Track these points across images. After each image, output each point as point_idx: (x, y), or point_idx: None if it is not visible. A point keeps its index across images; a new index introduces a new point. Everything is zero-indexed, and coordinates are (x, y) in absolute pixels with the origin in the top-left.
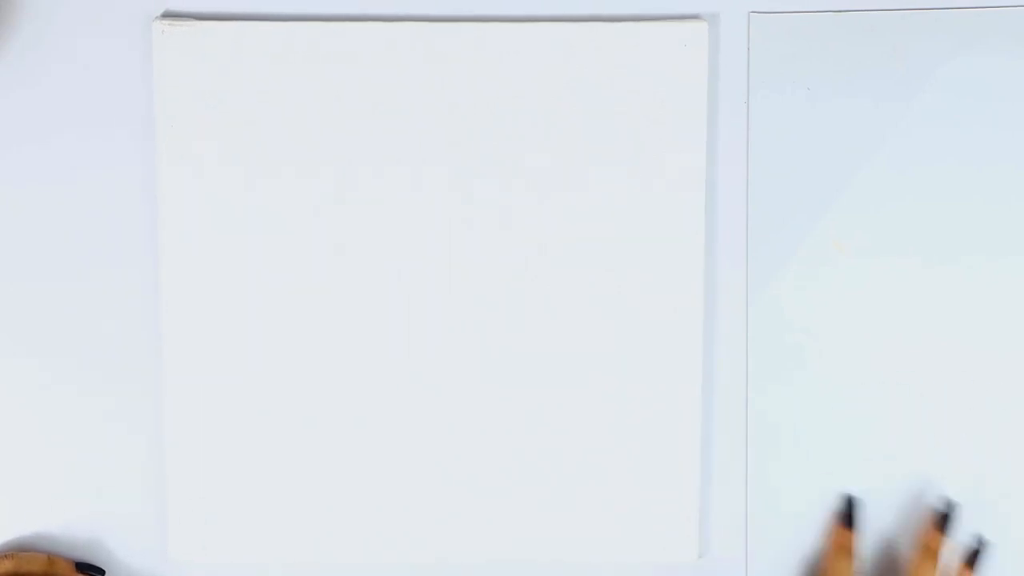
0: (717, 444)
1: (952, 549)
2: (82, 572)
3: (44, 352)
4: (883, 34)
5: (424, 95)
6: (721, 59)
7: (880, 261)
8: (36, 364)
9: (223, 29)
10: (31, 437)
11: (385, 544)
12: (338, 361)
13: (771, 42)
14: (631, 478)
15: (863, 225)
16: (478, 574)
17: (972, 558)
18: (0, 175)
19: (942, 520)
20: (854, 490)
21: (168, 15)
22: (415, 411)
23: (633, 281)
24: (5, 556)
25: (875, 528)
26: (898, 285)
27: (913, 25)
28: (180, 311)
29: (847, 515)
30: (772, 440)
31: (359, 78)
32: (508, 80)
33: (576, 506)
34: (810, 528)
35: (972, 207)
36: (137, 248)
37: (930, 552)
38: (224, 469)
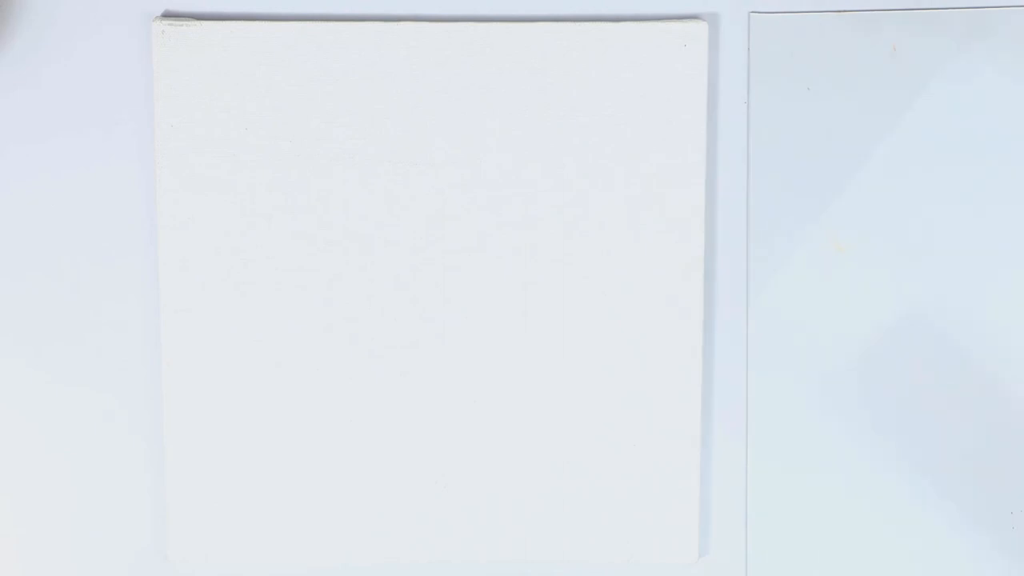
0: (717, 444)
1: None
2: None
3: (44, 352)
4: (883, 34)
5: (424, 95)
6: (721, 59)
7: (880, 261)
8: (36, 364)
9: (223, 29)
10: (31, 437)
11: (385, 544)
12: (338, 361)
13: (771, 42)
14: (631, 478)
15: (863, 225)
16: (478, 574)
17: None
18: (0, 175)
19: None
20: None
21: (168, 15)
22: (415, 412)
23: (633, 281)
24: None
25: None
26: (898, 285)
27: (913, 25)
28: (180, 311)
29: None
30: (772, 440)
31: (359, 78)
32: (508, 80)
33: (576, 506)
34: (810, 528)
35: (972, 207)
36: (137, 248)
37: None
38: (224, 469)
